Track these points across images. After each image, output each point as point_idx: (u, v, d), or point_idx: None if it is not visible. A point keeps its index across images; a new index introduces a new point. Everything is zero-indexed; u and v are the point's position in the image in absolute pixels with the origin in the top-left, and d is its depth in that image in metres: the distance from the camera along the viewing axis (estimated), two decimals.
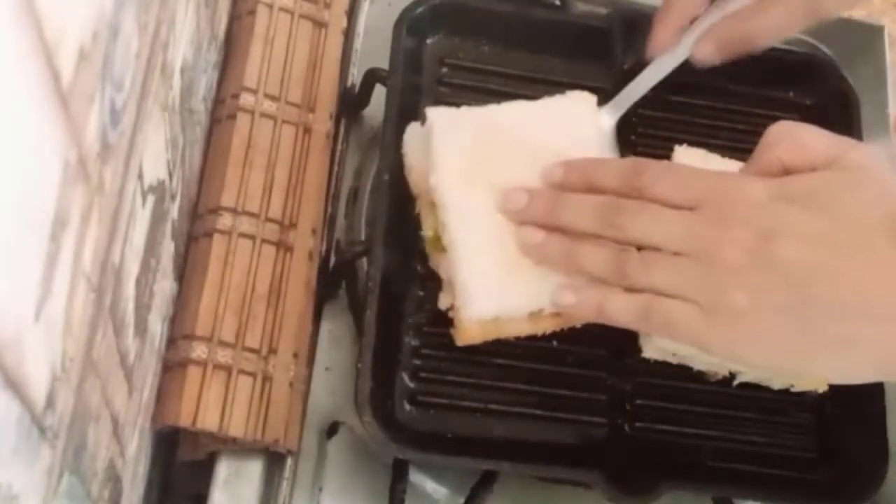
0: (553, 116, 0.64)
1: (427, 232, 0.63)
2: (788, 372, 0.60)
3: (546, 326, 0.61)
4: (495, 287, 0.59)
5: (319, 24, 0.73)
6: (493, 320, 0.60)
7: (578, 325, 0.62)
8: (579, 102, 0.65)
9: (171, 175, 0.56)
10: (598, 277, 0.56)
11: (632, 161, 0.58)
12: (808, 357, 0.52)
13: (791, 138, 0.54)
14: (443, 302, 0.63)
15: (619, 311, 0.55)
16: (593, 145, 0.64)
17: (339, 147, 0.72)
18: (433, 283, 0.66)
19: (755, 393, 0.66)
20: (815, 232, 0.50)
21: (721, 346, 0.53)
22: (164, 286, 0.59)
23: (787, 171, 0.54)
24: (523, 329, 0.61)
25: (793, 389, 0.65)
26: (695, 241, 0.52)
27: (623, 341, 0.66)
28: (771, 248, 0.50)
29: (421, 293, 0.66)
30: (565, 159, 0.60)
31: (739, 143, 0.73)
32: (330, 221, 0.70)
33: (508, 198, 0.59)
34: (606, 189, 0.56)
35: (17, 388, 0.31)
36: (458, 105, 0.65)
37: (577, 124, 0.64)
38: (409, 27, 0.69)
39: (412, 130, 0.65)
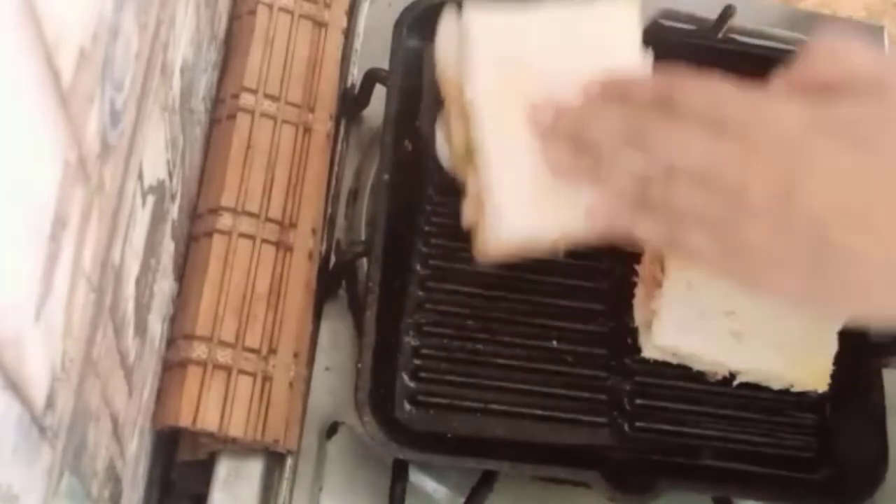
0: (594, 26, 0.60)
1: (457, 142, 0.60)
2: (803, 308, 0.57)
3: (566, 244, 0.58)
4: (528, 210, 0.56)
5: (319, 24, 0.73)
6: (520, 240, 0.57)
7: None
8: (622, 11, 0.60)
9: (171, 175, 0.56)
10: (624, 198, 0.53)
11: (669, 77, 0.53)
12: (821, 299, 0.50)
13: (835, 56, 0.50)
14: (466, 215, 0.59)
15: (645, 234, 0.53)
16: (634, 56, 0.59)
17: (339, 147, 0.72)
18: (433, 282, 0.66)
19: (755, 393, 0.66)
20: (846, 171, 0.47)
21: (737, 276, 0.51)
22: (164, 286, 0.59)
23: (827, 88, 0.50)
24: (544, 248, 0.58)
25: (793, 389, 0.65)
26: (719, 168, 0.49)
27: (623, 341, 0.66)
28: (795, 189, 0.47)
29: (421, 293, 0.66)
30: (603, 74, 0.56)
31: None
32: (330, 221, 0.70)
33: (535, 113, 0.56)
34: (639, 105, 0.53)
35: (17, 388, 0.31)
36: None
37: (617, 34, 0.60)
38: (409, 27, 0.69)
39: (446, 28, 0.61)
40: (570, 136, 0.54)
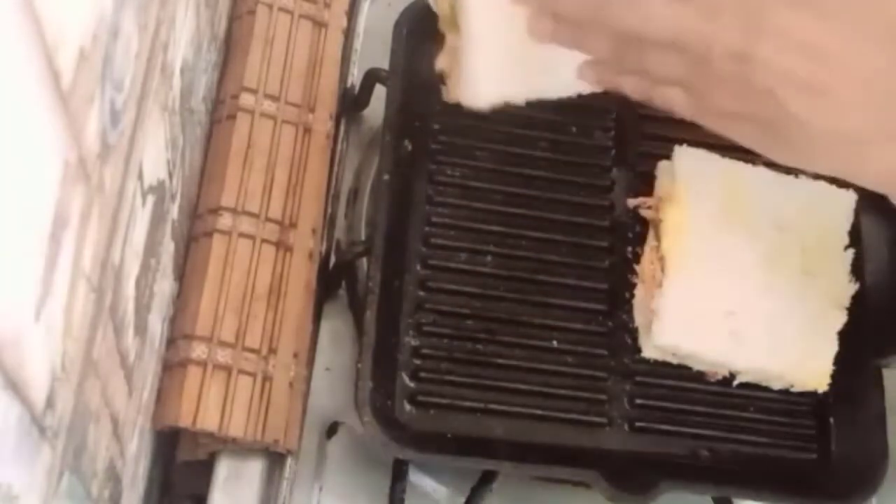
0: None
1: (443, 5, 0.61)
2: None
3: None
4: (502, 76, 0.58)
5: (319, 24, 0.73)
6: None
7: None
8: None
9: (171, 175, 0.56)
10: (605, 63, 0.55)
11: None
12: (776, 154, 0.52)
13: None
14: (440, 62, 0.62)
15: (630, 91, 0.55)
16: None
17: (339, 147, 0.72)
18: (433, 282, 0.66)
19: (755, 393, 0.66)
20: (804, 41, 0.48)
21: (708, 125, 0.53)
22: (164, 286, 0.59)
23: None
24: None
25: (793, 389, 0.65)
26: (683, 35, 0.50)
27: (623, 341, 0.66)
28: (754, 53, 0.48)
29: (421, 293, 0.66)
30: None
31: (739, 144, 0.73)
32: (330, 221, 0.70)
33: None
34: None
35: (17, 389, 0.31)
36: None
37: None
38: (409, 27, 0.69)
39: None
40: (544, 6, 0.55)
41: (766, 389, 0.65)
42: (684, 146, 0.68)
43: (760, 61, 0.48)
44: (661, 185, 0.68)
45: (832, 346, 0.64)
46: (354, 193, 0.72)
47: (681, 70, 0.51)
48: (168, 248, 0.58)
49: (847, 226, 0.68)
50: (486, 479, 0.63)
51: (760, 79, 0.48)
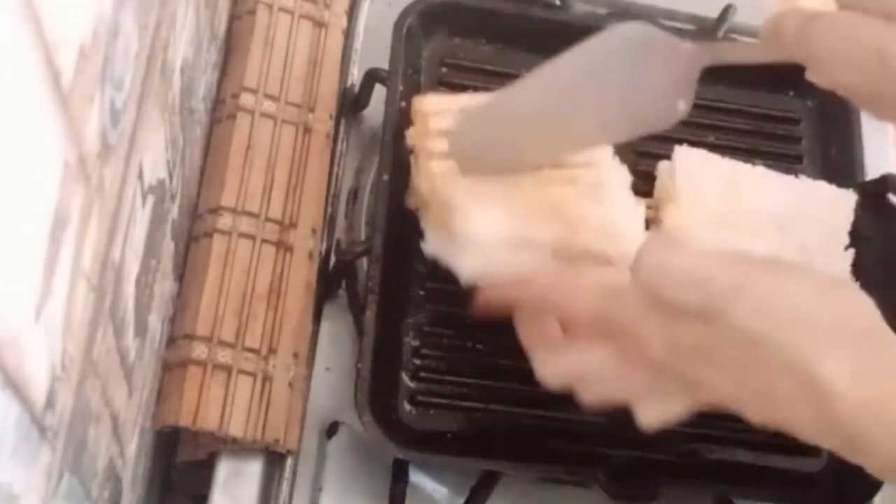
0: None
1: (422, 184, 0.63)
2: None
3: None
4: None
5: (319, 24, 0.73)
6: None
7: None
8: None
9: (171, 175, 0.56)
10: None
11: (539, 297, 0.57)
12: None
13: (658, 276, 0.51)
14: (409, 202, 0.64)
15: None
16: None
17: (339, 147, 0.72)
18: (433, 282, 0.66)
19: None
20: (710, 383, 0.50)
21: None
22: (164, 286, 0.59)
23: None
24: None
25: None
26: (631, 367, 0.53)
27: None
28: (678, 336, 0.50)
29: (421, 293, 0.66)
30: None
31: (739, 144, 0.73)
32: (330, 221, 0.70)
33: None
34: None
35: (16, 388, 0.31)
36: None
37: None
38: (409, 27, 0.69)
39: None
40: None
41: None
42: (684, 146, 0.68)
43: (682, 337, 0.50)
44: (661, 185, 0.68)
45: None
46: (354, 193, 0.72)
47: (630, 389, 0.54)
48: (168, 248, 0.58)
49: (847, 226, 0.68)
50: (486, 479, 0.63)
51: (691, 351, 0.50)
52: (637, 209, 0.64)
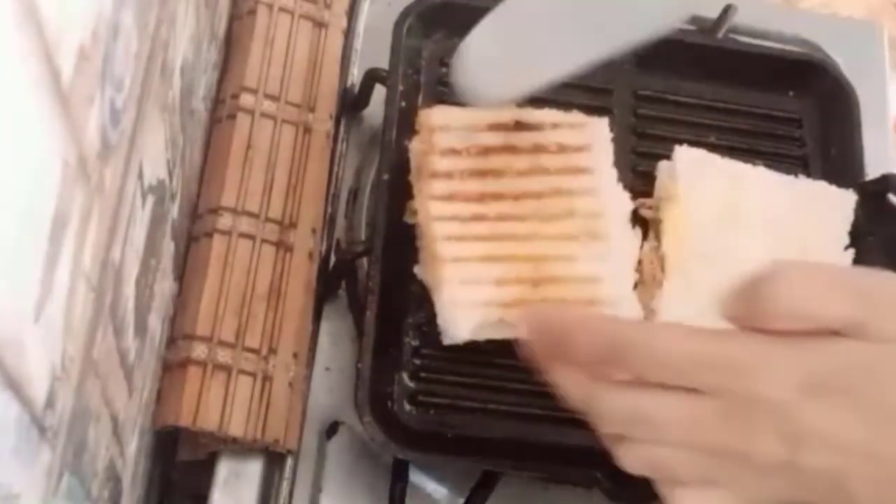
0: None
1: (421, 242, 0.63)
2: None
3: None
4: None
5: (319, 24, 0.73)
6: None
7: None
8: None
9: (171, 175, 0.56)
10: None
11: (607, 343, 0.47)
12: None
13: (799, 296, 0.44)
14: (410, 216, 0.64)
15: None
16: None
17: (339, 147, 0.72)
18: None
19: None
20: (852, 440, 0.43)
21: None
22: (164, 286, 0.59)
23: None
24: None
25: None
26: (714, 441, 0.46)
27: None
28: (802, 459, 0.44)
29: (421, 293, 0.65)
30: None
31: (739, 144, 0.73)
32: (330, 221, 0.70)
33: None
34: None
35: (17, 388, 0.31)
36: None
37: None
38: (409, 27, 0.69)
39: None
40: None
41: None
42: (684, 146, 0.68)
43: (804, 459, 0.43)
44: (661, 185, 0.68)
45: None
46: (354, 193, 0.72)
47: (719, 470, 0.46)
48: (168, 248, 0.58)
49: (847, 226, 0.68)
50: (487, 479, 0.63)
51: (810, 472, 0.44)
52: (633, 241, 0.64)
